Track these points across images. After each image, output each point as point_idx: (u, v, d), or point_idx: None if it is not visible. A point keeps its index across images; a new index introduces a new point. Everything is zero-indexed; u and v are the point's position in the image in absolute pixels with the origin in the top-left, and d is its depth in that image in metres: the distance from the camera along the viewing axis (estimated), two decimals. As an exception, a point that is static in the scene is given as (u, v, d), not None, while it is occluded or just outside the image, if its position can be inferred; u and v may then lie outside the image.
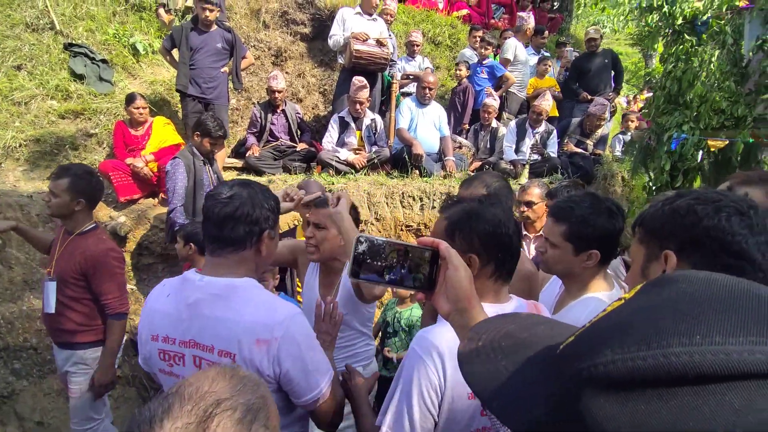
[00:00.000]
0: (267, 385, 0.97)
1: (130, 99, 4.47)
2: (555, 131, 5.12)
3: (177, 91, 4.90)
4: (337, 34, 5.06)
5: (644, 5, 4.06)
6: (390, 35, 5.54)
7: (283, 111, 5.03)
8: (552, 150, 5.05)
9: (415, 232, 4.24)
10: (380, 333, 3.24)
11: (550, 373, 0.44)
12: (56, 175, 2.45)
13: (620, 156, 5.57)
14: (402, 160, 4.58)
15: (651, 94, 7.22)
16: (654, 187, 4.28)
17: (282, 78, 5.00)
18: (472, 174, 4.72)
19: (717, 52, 3.85)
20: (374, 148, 4.73)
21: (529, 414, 0.44)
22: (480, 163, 5.13)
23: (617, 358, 0.36)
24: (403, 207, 4.23)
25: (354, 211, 2.06)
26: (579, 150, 5.27)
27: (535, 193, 2.91)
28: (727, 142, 3.76)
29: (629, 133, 6.10)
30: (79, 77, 5.22)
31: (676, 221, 0.89)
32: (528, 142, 5.06)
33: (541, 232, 2.46)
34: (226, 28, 4.97)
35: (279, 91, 4.89)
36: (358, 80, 4.65)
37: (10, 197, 4.22)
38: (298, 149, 4.89)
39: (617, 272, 2.46)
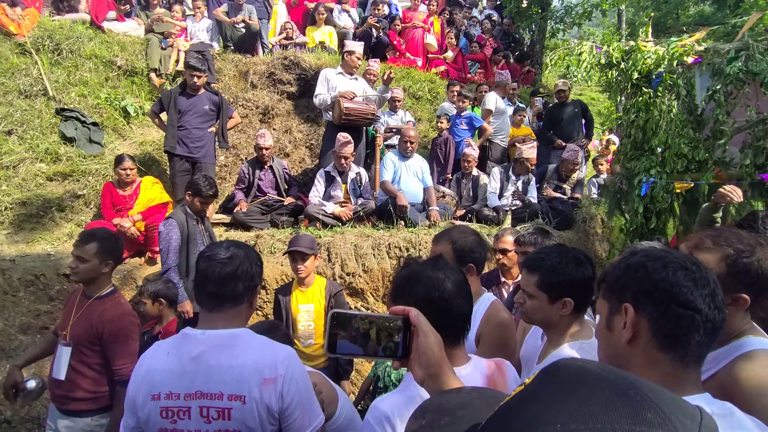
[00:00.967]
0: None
1: (118, 160, 4.57)
2: (534, 178, 5.35)
3: (165, 151, 5.04)
4: (322, 93, 5.32)
5: (603, 62, 4.40)
6: (392, 90, 5.88)
7: (271, 167, 5.18)
8: (532, 196, 5.24)
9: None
10: (371, 388, 3.21)
11: None
12: (82, 240, 2.46)
13: (596, 199, 5.80)
14: (387, 212, 4.70)
15: (613, 136, 7.63)
16: (631, 229, 4.44)
17: (269, 136, 5.19)
18: (456, 223, 4.86)
19: (673, 103, 4.15)
20: (360, 201, 4.86)
21: None
22: (464, 211, 5.28)
23: None
24: (390, 258, 4.30)
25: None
26: (558, 195, 5.48)
27: (509, 240, 3.03)
28: (692, 185, 3.98)
29: (602, 177, 6.38)
30: (69, 140, 5.34)
31: (630, 276, 0.98)
32: (510, 188, 5.26)
33: (518, 279, 2.52)
34: (213, 91, 5.21)
35: (266, 148, 5.06)
36: (343, 136, 4.85)
37: (-6, 261, 4.19)
38: (285, 204, 4.99)
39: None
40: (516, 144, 5.83)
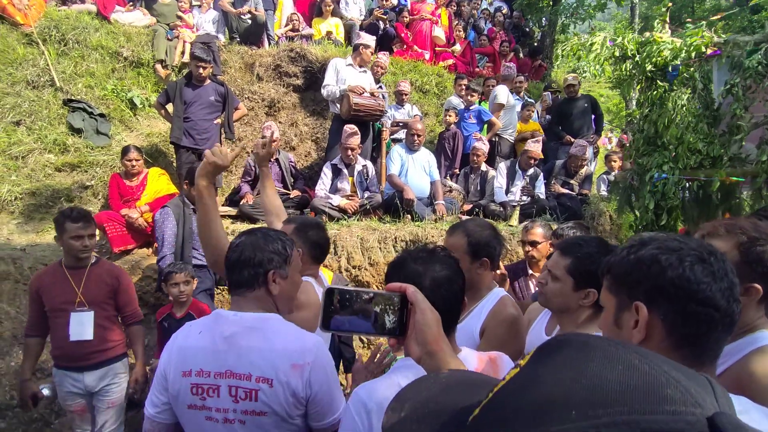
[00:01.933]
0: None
1: (125, 151, 4.57)
2: (542, 173, 5.28)
3: (171, 143, 5.03)
4: (331, 84, 5.27)
5: (617, 55, 4.31)
6: (381, 86, 5.78)
7: (277, 160, 5.15)
8: (540, 191, 5.18)
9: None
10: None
11: None
12: (87, 220, 2.79)
13: (606, 195, 5.72)
14: (394, 206, 4.66)
15: (625, 136, 7.52)
16: (641, 226, 4.36)
17: (276, 128, 5.16)
18: (463, 218, 4.81)
19: (688, 97, 4.05)
20: (366, 194, 4.83)
21: None
22: (471, 206, 5.23)
23: None
24: (396, 251, 4.27)
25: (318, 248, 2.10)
26: (566, 190, 5.41)
27: (539, 232, 2.99)
28: (704, 181, 3.90)
29: (613, 173, 6.29)
30: (77, 131, 5.35)
31: (642, 271, 0.90)
32: (518, 184, 5.20)
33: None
34: (219, 82, 5.18)
35: (273, 140, 5.02)
36: (349, 128, 4.81)
37: (3, 250, 4.22)
38: (291, 196, 4.97)
39: None
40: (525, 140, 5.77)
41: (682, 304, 0.86)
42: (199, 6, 6.88)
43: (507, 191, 5.24)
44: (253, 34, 6.90)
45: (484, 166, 5.55)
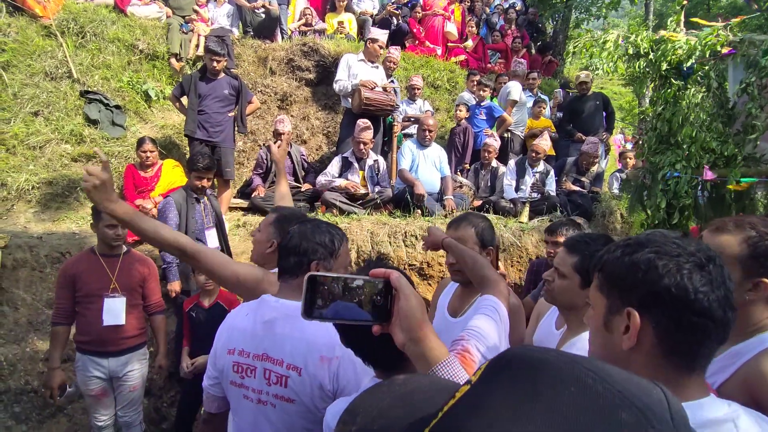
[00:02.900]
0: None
1: (139, 143, 4.65)
2: (552, 170, 5.27)
3: (185, 135, 5.09)
4: (343, 79, 5.30)
5: (631, 52, 4.28)
6: (393, 81, 5.80)
7: (289, 153, 5.20)
8: (551, 188, 5.17)
9: (418, 271, 4.29)
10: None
11: None
12: None
13: (617, 193, 5.68)
14: (404, 200, 4.69)
15: (632, 137, 7.45)
16: (652, 225, 4.34)
17: (288, 121, 5.20)
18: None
19: (702, 95, 4.02)
20: (377, 188, 4.86)
21: None
22: (480, 202, 5.24)
23: None
24: (406, 246, 4.30)
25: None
26: (577, 188, 5.39)
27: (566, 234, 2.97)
28: (718, 180, 3.87)
29: (625, 172, 6.25)
30: (93, 122, 5.44)
31: (637, 276, 0.85)
32: (528, 180, 5.20)
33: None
34: (233, 75, 5.22)
35: (285, 134, 5.08)
36: (363, 122, 4.85)
37: (20, 238, 4.31)
38: (302, 190, 5.01)
39: None
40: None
41: (678, 312, 0.82)
42: (216, 0, 6.92)
43: (517, 188, 5.24)
44: (267, 28, 6.94)
45: (494, 162, 5.55)
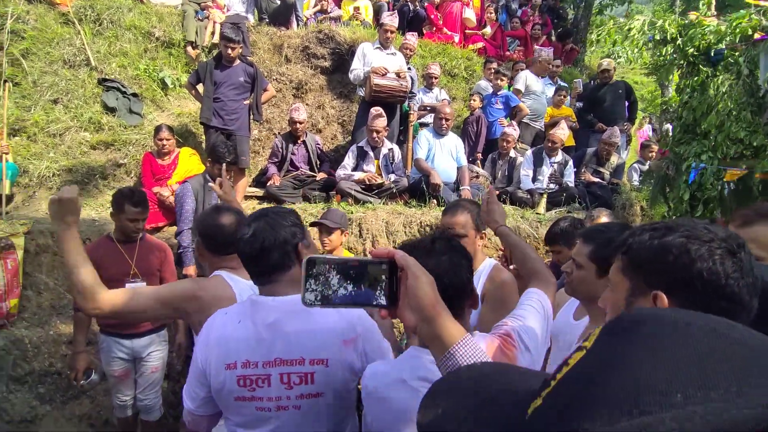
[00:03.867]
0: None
1: (156, 130, 4.68)
2: (571, 161, 5.15)
3: (201, 123, 5.11)
4: (357, 68, 5.25)
5: (658, 38, 4.13)
6: (410, 68, 5.71)
7: (304, 142, 5.18)
8: (569, 180, 5.06)
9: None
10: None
11: None
12: (142, 203, 2.96)
13: (638, 185, 5.55)
14: (420, 190, 4.64)
15: (650, 133, 7.23)
16: (674, 217, 4.24)
17: (303, 110, 5.17)
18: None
19: (731, 83, 3.87)
20: (392, 177, 4.82)
21: None
22: (497, 192, 5.16)
23: None
24: (421, 236, 4.27)
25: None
26: (596, 179, 5.27)
27: (605, 222, 2.90)
28: (746, 171, 3.74)
29: (647, 163, 6.09)
30: (110, 110, 5.49)
31: (667, 260, 0.84)
32: (546, 171, 5.10)
33: None
34: (249, 62, 5.20)
35: (300, 122, 5.05)
36: (375, 110, 4.79)
37: (42, 224, 4.39)
38: (317, 179, 5.00)
39: None
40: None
41: (708, 298, 0.81)
42: (230, -14, 6.88)
43: (534, 179, 5.15)
44: (282, 15, 6.88)
45: (512, 152, 5.45)
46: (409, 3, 7.52)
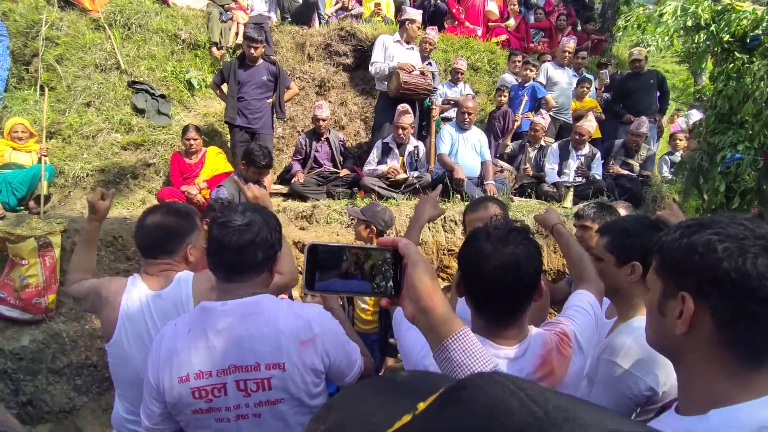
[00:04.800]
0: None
1: (184, 131, 4.80)
2: (599, 153, 5.02)
3: (225, 122, 5.20)
4: (379, 61, 5.21)
5: (690, 24, 3.97)
6: (430, 63, 5.67)
7: (327, 139, 5.21)
8: (597, 172, 4.93)
9: (457, 257, 4.23)
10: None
11: None
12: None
13: (668, 177, 5.36)
14: (443, 185, 4.61)
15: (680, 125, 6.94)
16: (708, 209, 4.07)
17: (326, 107, 5.21)
18: (513, 198, 4.69)
19: (771, 69, 3.69)
20: (415, 173, 4.81)
21: None
22: (521, 182, 5.07)
23: None
24: (445, 231, 4.24)
25: None
26: (625, 171, 5.12)
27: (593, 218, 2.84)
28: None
29: (677, 153, 5.87)
30: (140, 111, 5.65)
31: (694, 259, 0.79)
32: (572, 164, 4.98)
33: None
34: (271, 61, 5.26)
35: (323, 120, 5.09)
36: (402, 106, 4.79)
37: (77, 223, 4.56)
38: (341, 175, 5.03)
39: None
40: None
41: (739, 300, 0.76)
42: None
43: (560, 172, 5.04)
44: (304, 13, 6.94)
45: (543, 141, 5.36)
46: (430, -3, 7.46)
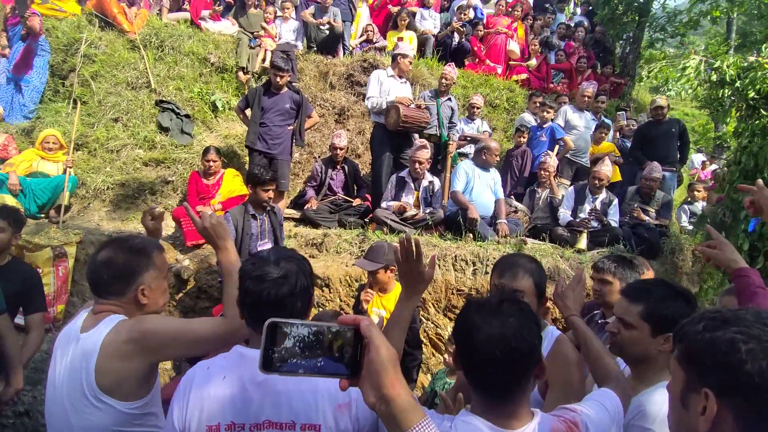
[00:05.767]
0: None
1: (205, 152, 4.89)
2: (616, 200, 4.94)
3: (246, 146, 5.30)
4: (375, 96, 5.16)
5: (714, 80, 3.96)
6: (450, 98, 5.73)
7: (343, 167, 5.26)
8: (613, 219, 4.84)
9: (466, 297, 4.16)
10: (427, 404, 3.12)
11: None
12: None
13: (687, 227, 5.25)
14: (456, 222, 4.58)
15: (715, 166, 6.83)
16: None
17: (345, 136, 5.27)
18: (527, 240, 4.61)
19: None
20: (428, 209, 4.79)
21: None
22: (533, 225, 5.01)
23: None
24: (456, 270, 4.19)
25: None
26: (646, 218, 4.97)
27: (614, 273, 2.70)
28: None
29: (696, 203, 5.76)
30: (164, 130, 5.81)
31: (716, 357, 0.79)
32: (587, 208, 4.91)
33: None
34: (295, 89, 5.37)
35: (341, 148, 5.15)
36: (420, 141, 4.81)
37: (93, 235, 4.64)
38: (354, 204, 5.05)
39: None
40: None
41: (763, 403, 0.75)
42: (283, 17, 7.22)
43: (574, 215, 4.96)
44: (330, 44, 7.13)
45: (556, 183, 5.31)
46: (454, 35, 7.61)
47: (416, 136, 5.21)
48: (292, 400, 1.21)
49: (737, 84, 3.84)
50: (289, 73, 5.23)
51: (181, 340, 1.44)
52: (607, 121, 6.42)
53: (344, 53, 7.32)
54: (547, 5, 9.60)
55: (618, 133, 6.69)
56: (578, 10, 10.14)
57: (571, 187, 5.24)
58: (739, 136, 3.94)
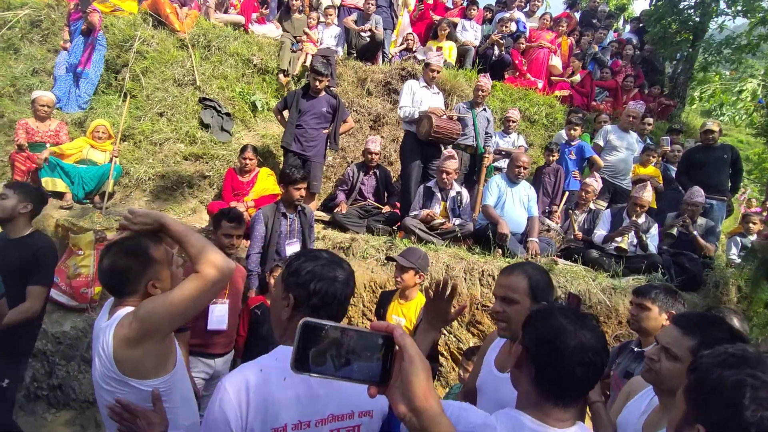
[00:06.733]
0: None
1: (242, 150, 5.02)
2: (656, 226, 4.70)
3: (281, 146, 5.40)
4: (407, 106, 5.14)
5: (773, 105, 3.73)
6: (485, 109, 5.66)
7: (375, 173, 5.27)
8: (652, 245, 4.61)
9: (491, 314, 4.06)
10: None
11: None
12: (239, 222, 3.14)
13: (735, 260, 4.93)
14: (485, 237, 4.48)
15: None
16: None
17: (379, 142, 5.29)
18: (558, 260, 4.46)
19: None
20: (458, 221, 4.72)
21: None
22: (566, 245, 4.84)
23: None
24: (482, 285, 4.10)
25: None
26: (694, 231, 4.71)
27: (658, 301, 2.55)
28: None
29: (750, 236, 5.40)
30: (205, 126, 6.00)
31: (719, 395, 0.77)
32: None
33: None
34: (333, 94, 5.44)
35: (375, 153, 5.16)
36: (448, 152, 4.77)
37: (131, 224, 4.82)
38: (383, 211, 5.04)
39: None
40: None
41: None
42: (325, 23, 7.35)
43: (611, 242, 4.75)
44: (370, 51, 7.20)
45: (592, 205, 5.12)
46: (494, 48, 7.52)
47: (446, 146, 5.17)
48: (352, 390, 1.20)
49: (799, 111, 3.60)
50: (327, 77, 5.31)
51: (181, 307, 1.44)
52: (651, 145, 6.15)
53: (383, 61, 7.37)
54: (594, 20, 9.37)
55: (662, 158, 6.40)
56: (627, 27, 9.83)
57: (608, 209, 5.04)
58: (798, 167, 3.68)
